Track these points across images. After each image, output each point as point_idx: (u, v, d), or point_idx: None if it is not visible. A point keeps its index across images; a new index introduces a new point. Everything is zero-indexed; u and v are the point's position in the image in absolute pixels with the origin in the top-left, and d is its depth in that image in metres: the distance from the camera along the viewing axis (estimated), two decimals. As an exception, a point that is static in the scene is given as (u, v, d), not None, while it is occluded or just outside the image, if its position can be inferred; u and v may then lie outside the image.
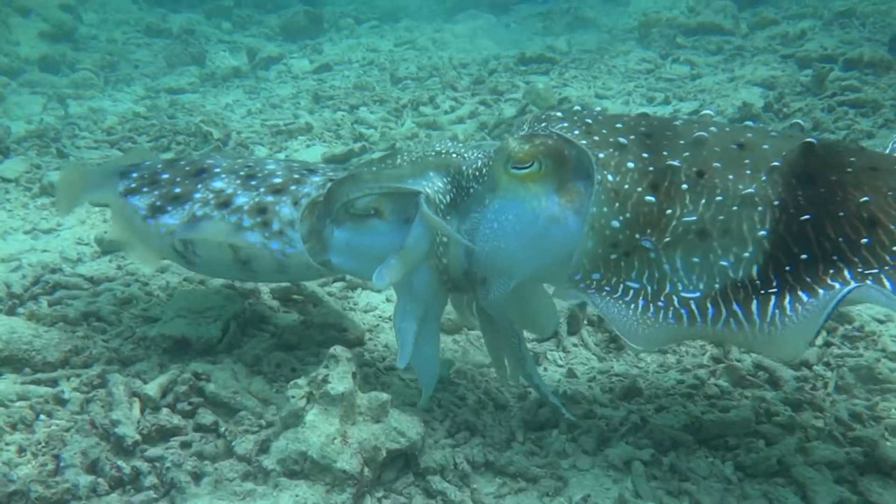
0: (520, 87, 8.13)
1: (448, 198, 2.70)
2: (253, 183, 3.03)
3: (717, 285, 2.32)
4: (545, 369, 3.40)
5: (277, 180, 3.02)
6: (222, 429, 2.84)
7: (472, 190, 2.68)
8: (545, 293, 3.00)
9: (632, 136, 2.54)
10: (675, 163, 2.44)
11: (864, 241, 2.25)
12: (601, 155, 2.49)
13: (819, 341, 3.52)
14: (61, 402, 2.96)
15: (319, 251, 2.87)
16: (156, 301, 3.70)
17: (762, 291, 2.25)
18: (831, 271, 2.22)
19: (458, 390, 3.16)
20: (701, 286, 2.34)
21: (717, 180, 2.41)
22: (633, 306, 2.36)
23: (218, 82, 9.36)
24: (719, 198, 2.38)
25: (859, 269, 2.19)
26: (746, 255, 2.32)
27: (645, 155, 2.49)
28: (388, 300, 3.99)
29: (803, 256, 2.27)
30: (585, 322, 3.68)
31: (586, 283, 2.44)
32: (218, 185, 3.06)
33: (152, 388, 2.98)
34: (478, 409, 3.04)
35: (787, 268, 2.26)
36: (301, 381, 2.68)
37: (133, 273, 4.00)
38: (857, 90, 7.01)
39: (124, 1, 14.51)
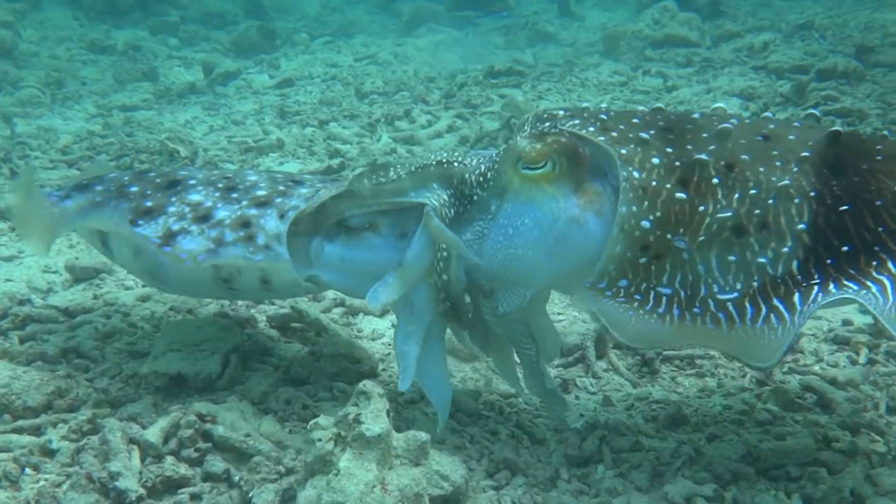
0: (494, 101, 7.90)
1: (453, 211, 2.53)
2: (234, 195, 2.82)
3: (755, 283, 2.21)
4: (576, 397, 3.13)
5: (261, 192, 2.81)
6: (236, 477, 2.54)
7: (475, 198, 2.51)
8: (547, 315, 2.82)
9: (652, 131, 2.40)
10: (703, 156, 2.31)
11: None
12: (624, 151, 2.33)
13: (862, 359, 3.31)
14: (49, 452, 2.63)
15: (307, 266, 2.68)
16: (142, 334, 3.35)
17: (804, 285, 2.16)
18: (874, 263, 2.15)
19: (489, 424, 2.89)
20: (738, 286, 2.22)
21: (748, 173, 2.30)
22: (663, 313, 2.23)
23: (173, 99, 8.95)
24: (753, 191, 2.27)
25: None
26: (786, 249, 2.22)
27: (669, 150, 2.35)
28: (394, 326, 3.69)
29: (844, 249, 2.19)
30: (611, 345, 3.42)
31: (613, 292, 2.28)
32: (195, 197, 2.83)
33: (153, 434, 2.65)
34: (514, 445, 2.76)
35: (829, 261, 2.18)
36: (324, 422, 2.39)
37: (112, 303, 3.64)
38: (836, 100, 6.94)
39: (64, 17, 14.02)
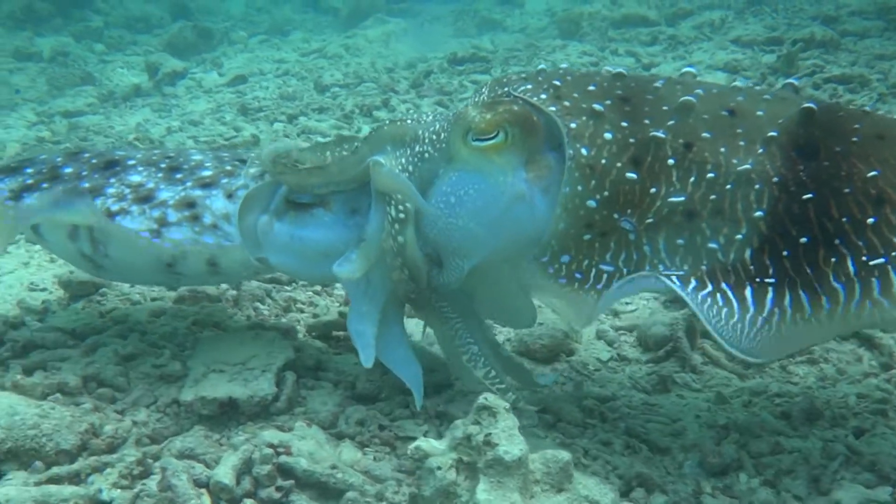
0: (467, 87, 7.54)
1: (405, 170, 2.40)
2: (178, 176, 2.68)
3: (704, 266, 2.09)
4: (680, 396, 2.78)
5: (206, 172, 2.69)
6: (332, 519, 2.12)
7: (426, 155, 2.37)
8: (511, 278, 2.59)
9: (608, 102, 2.23)
10: (660, 133, 2.16)
11: (870, 220, 2.03)
12: (573, 125, 2.19)
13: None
14: (101, 505, 2.16)
15: (258, 246, 2.54)
16: (169, 354, 2.88)
17: (758, 280, 2.04)
18: (833, 259, 2.01)
19: (598, 433, 2.53)
20: (685, 267, 2.10)
21: (707, 154, 2.14)
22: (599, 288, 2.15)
23: (118, 102, 8.35)
24: (711, 175, 2.12)
25: (863, 256, 2.00)
26: (739, 237, 2.08)
27: (624, 124, 2.19)
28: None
29: (803, 240, 2.05)
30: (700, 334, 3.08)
31: (555, 268, 2.19)
32: (135, 178, 2.68)
33: (224, 474, 2.22)
34: (635, 456, 2.41)
35: (785, 252, 2.05)
36: (435, 446, 2.03)
37: (123, 321, 3.15)
38: (822, 69, 6.76)
39: (-19, 26, 13.26)
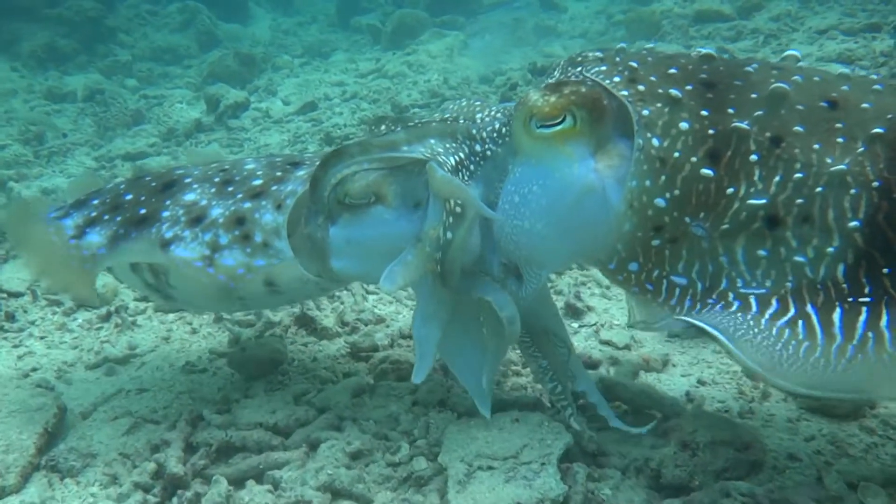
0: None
1: (462, 168, 2.15)
2: (230, 189, 2.52)
3: (789, 283, 1.84)
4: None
5: (257, 182, 2.52)
6: None
7: (489, 153, 2.15)
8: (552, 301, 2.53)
9: (689, 87, 1.97)
10: (744, 125, 1.90)
11: None
12: (646, 112, 1.94)
13: None
14: None
15: (316, 259, 2.33)
16: (407, 448, 2.36)
17: (850, 299, 1.78)
18: None
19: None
20: (768, 284, 1.86)
21: (797, 150, 1.87)
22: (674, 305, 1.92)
23: (181, 139, 7.85)
24: (799, 175, 1.85)
25: None
26: (830, 249, 1.83)
27: (704, 112, 1.93)
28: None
29: None
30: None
31: (623, 276, 1.97)
32: (190, 197, 2.53)
33: None
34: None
35: (886, 270, 1.79)
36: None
37: (325, 406, 2.62)
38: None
39: (2, 69, 12.84)
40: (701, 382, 2.76)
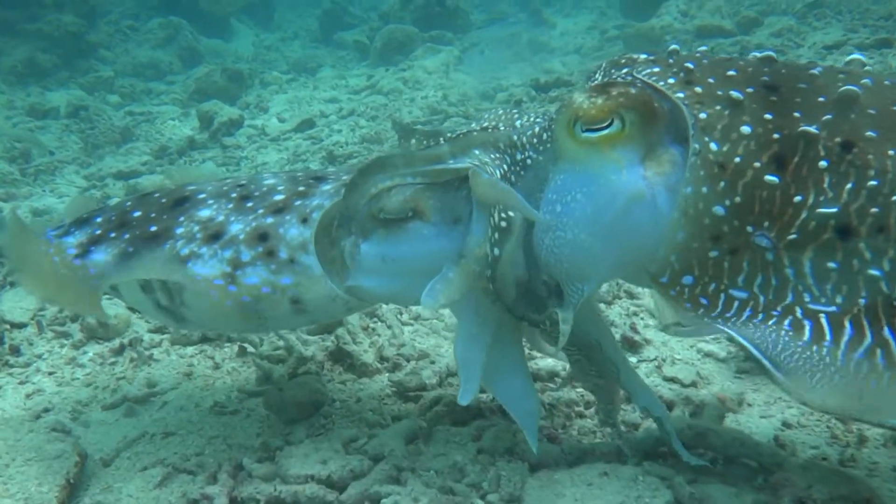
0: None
1: (510, 179, 2.03)
2: (249, 205, 2.38)
3: (862, 299, 1.69)
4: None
5: (279, 197, 2.37)
6: None
7: (529, 161, 2.03)
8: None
9: (750, 89, 1.85)
10: (812, 129, 1.78)
11: None
12: (704, 115, 1.82)
13: None
14: None
15: (345, 275, 2.21)
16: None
17: None
18: None
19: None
20: (839, 300, 1.71)
21: (870, 156, 1.75)
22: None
23: (174, 157, 7.58)
24: (874, 182, 1.72)
25: None
26: None
27: (768, 116, 1.81)
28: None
29: None
30: None
31: (676, 291, 1.81)
32: (205, 213, 2.39)
33: None
34: None
35: None
36: None
37: (379, 453, 2.38)
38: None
39: (-21, 86, 12.53)
40: (786, 425, 2.54)
